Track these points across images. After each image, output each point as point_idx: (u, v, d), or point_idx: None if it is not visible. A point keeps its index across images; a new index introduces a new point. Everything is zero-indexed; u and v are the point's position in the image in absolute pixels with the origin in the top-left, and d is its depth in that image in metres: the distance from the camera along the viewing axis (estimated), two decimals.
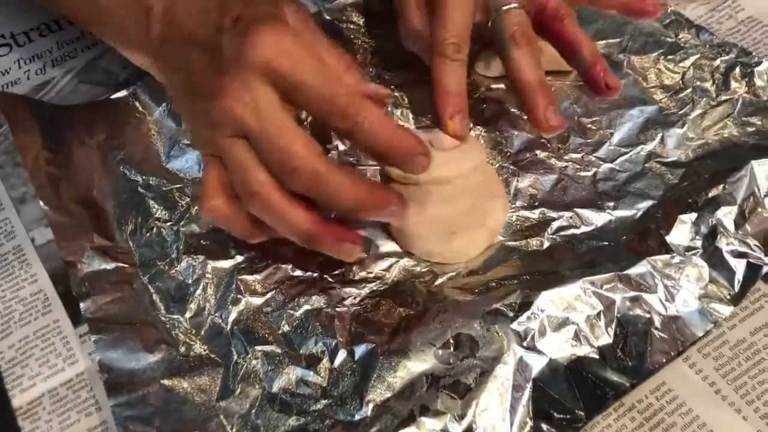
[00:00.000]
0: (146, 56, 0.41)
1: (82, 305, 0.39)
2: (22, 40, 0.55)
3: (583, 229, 0.42)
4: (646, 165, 0.44)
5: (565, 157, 0.45)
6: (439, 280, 0.40)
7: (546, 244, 0.41)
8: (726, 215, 0.39)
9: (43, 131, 0.47)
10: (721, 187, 0.40)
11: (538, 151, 0.45)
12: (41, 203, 0.43)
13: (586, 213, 0.42)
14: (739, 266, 0.38)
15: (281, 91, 0.35)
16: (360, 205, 0.36)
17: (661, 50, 0.49)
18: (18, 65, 0.53)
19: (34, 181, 0.44)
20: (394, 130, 0.36)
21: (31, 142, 0.46)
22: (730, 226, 0.39)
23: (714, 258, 0.38)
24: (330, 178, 0.35)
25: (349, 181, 0.36)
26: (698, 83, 0.47)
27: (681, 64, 0.48)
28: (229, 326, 0.39)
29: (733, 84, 0.47)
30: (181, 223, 0.43)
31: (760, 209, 0.40)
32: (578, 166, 0.44)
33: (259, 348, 0.38)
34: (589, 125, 0.46)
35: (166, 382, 0.37)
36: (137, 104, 0.49)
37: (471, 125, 0.47)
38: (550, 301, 0.37)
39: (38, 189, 0.44)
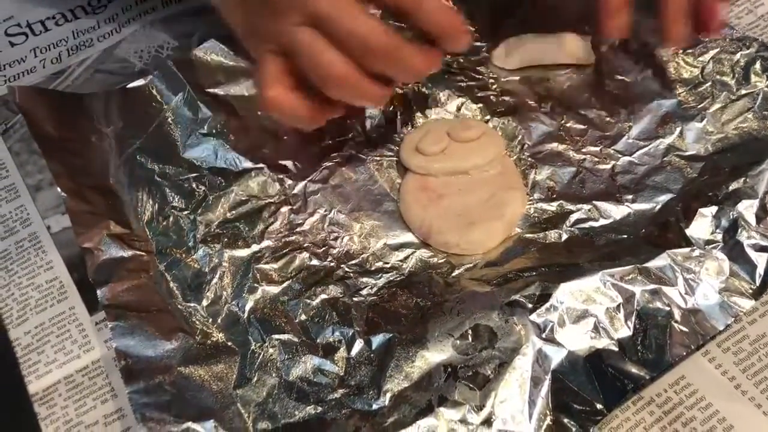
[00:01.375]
0: None
1: (98, 292, 0.39)
2: (39, 29, 0.55)
3: (602, 221, 0.41)
4: (665, 158, 0.44)
5: (584, 150, 0.45)
6: (457, 272, 0.40)
7: (564, 237, 0.41)
8: (747, 209, 0.39)
9: (59, 120, 0.47)
10: (742, 180, 0.40)
11: (556, 144, 0.45)
12: (59, 190, 0.43)
13: (604, 206, 0.42)
14: (760, 260, 0.38)
15: None
16: (430, 66, 0.40)
17: None
18: (34, 54, 0.53)
19: (52, 168, 0.44)
20: (448, 11, 0.39)
21: (48, 130, 0.46)
22: (752, 220, 0.39)
23: (735, 251, 0.38)
24: (403, 51, 0.38)
25: (418, 50, 0.38)
26: (718, 77, 0.47)
27: (700, 58, 0.48)
28: (245, 315, 0.39)
29: (754, 78, 0.46)
30: (198, 211, 0.43)
31: None
32: (597, 159, 0.44)
33: (276, 337, 0.38)
34: (608, 118, 0.46)
35: (183, 369, 0.37)
36: (154, 93, 0.48)
37: (489, 117, 0.47)
38: (569, 293, 0.36)
39: (55, 177, 0.44)
